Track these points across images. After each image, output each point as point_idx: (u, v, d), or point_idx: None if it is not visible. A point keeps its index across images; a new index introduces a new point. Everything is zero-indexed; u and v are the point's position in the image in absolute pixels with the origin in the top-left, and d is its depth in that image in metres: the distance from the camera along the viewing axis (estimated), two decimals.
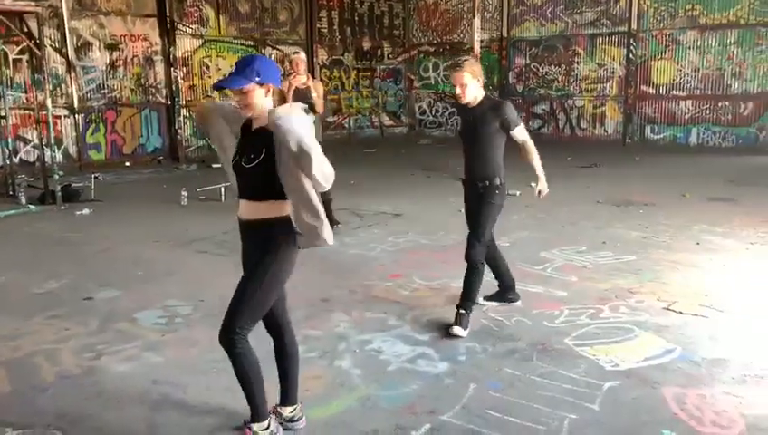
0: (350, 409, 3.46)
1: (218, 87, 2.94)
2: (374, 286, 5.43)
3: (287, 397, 3.25)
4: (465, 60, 4.49)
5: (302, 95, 7.08)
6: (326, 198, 7.39)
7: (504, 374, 3.82)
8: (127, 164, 12.79)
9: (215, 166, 13.03)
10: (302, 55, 7.35)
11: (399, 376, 3.82)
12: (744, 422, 3.25)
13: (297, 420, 3.26)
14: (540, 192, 4.61)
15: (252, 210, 2.94)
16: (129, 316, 4.79)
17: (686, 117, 14.96)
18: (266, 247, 2.92)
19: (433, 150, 15.46)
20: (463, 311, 4.48)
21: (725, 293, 5.17)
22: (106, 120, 12.69)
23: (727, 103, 14.38)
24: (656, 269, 5.84)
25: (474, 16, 10.03)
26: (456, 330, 4.38)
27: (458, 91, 4.39)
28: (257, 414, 3.07)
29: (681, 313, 4.75)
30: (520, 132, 4.44)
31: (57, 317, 4.80)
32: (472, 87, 4.36)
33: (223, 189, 9.31)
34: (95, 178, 10.38)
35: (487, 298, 4.94)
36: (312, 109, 7.18)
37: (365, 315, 4.77)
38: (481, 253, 4.53)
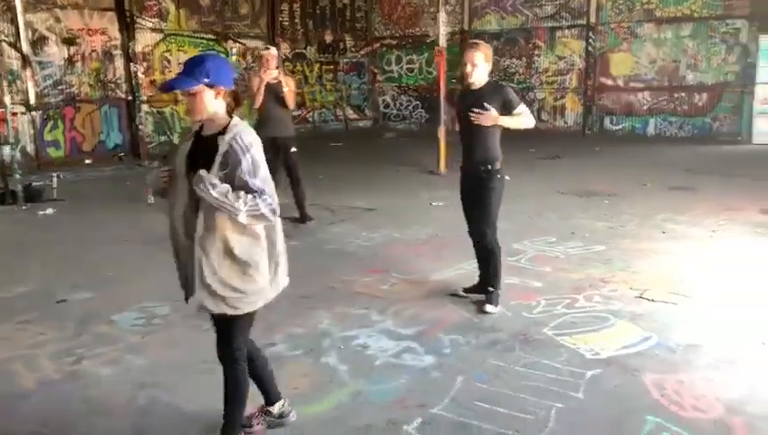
0: (341, 405, 3.49)
1: (166, 88, 2.76)
2: (354, 282, 5.45)
3: (271, 396, 3.24)
4: (480, 41, 4.65)
5: (274, 90, 7.05)
6: (298, 194, 7.39)
7: (488, 366, 3.89)
8: (87, 162, 12.46)
9: None
10: (274, 51, 7.29)
11: (387, 371, 3.86)
12: (722, 406, 3.38)
13: (288, 415, 3.26)
14: (483, 114, 4.42)
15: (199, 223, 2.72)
16: (106, 318, 4.71)
17: (644, 108, 15.33)
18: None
19: (399, 144, 15.51)
20: (492, 289, 4.78)
21: (694, 280, 5.35)
22: (64, 116, 12.32)
23: (683, 94, 14.78)
24: (625, 258, 6.00)
25: (438, 10, 10.07)
26: (489, 308, 4.69)
27: (468, 69, 4.49)
28: (231, 430, 3.01)
29: (653, 300, 4.91)
30: (521, 109, 4.56)
31: (30, 322, 4.68)
32: (481, 68, 4.50)
33: None
34: (56, 176, 10.13)
35: (467, 290, 5.01)
36: (282, 103, 7.15)
37: (347, 311, 4.78)
38: (493, 235, 4.73)
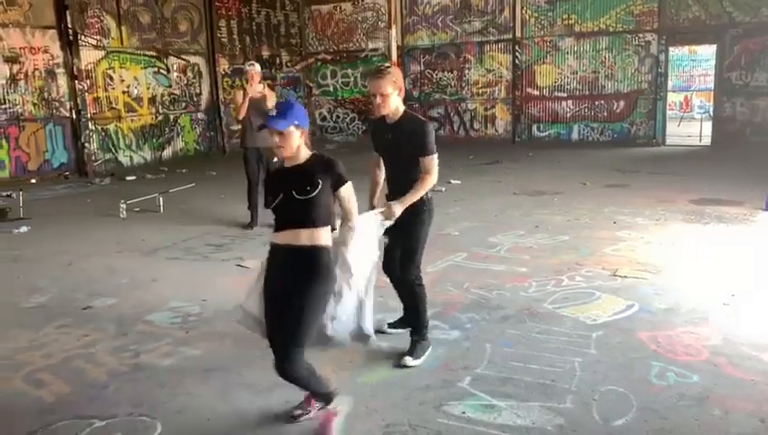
0: (396, 372, 3.99)
1: (265, 126, 3.18)
2: None
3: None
4: (387, 67, 4.02)
5: (258, 104, 7.44)
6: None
7: (509, 335, 4.50)
8: (33, 181, 12.28)
9: (128, 179, 12.87)
10: (257, 67, 7.70)
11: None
12: (707, 351, 4.14)
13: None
14: (385, 215, 3.82)
15: (295, 237, 3.20)
16: (141, 319, 4.98)
17: (568, 115, 16.59)
18: (312, 272, 3.21)
19: (341, 154, 15.93)
20: (416, 337, 4.30)
21: (655, 259, 6.19)
22: (9, 135, 12.10)
23: (602, 102, 16.14)
24: (589, 245, 6.78)
25: (390, 27, 10.75)
26: (408, 361, 4.12)
27: (378, 100, 3.87)
28: (329, 399, 3.43)
29: (626, 277, 5.68)
30: (429, 162, 3.92)
31: (68, 326, 4.90)
32: (393, 98, 3.89)
33: (161, 200, 9.36)
34: (8, 195, 10.04)
35: (392, 325, 4.67)
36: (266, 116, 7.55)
37: None
38: (417, 273, 4.26)
